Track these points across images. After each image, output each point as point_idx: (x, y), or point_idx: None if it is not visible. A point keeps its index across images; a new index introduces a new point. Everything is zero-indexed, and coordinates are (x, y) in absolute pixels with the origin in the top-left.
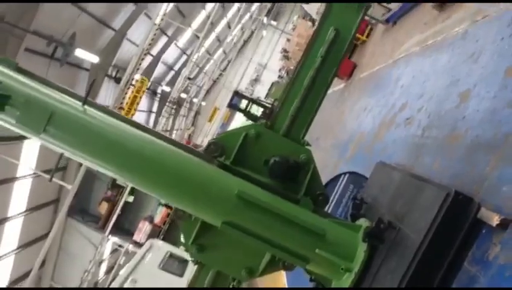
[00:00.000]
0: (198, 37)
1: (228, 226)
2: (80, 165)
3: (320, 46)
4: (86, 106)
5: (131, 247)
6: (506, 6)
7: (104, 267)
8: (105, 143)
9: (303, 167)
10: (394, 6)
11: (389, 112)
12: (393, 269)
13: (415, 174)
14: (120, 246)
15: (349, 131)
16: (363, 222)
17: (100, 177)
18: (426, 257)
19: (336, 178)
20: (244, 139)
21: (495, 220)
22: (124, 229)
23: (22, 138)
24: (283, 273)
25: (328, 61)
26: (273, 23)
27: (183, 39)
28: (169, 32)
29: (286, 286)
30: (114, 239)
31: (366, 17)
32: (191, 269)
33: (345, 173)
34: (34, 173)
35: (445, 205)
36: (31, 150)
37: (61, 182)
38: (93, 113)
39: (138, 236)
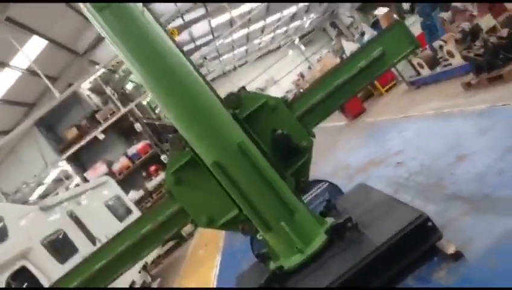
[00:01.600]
0: (231, 26)
1: (217, 168)
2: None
3: (363, 59)
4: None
5: (78, 181)
6: None
7: (41, 190)
8: (152, 49)
9: (301, 152)
10: (425, 73)
11: (383, 153)
12: (346, 260)
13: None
14: (67, 178)
15: (338, 159)
16: (329, 220)
17: (83, 104)
18: (380, 257)
19: (316, 182)
20: (262, 104)
21: (451, 249)
22: (80, 163)
23: None
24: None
25: (363, 74)
26: (302, 47)
27: (218, 20)
28: (210, 7)
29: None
30: (67, 167)
31: (396, 72)
32: (131, 219)
33: (326, 181)
34: (27, 70)
35: (414, 223)
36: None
37: (51, 86)
38: (151, 19)
39: (90, 174)
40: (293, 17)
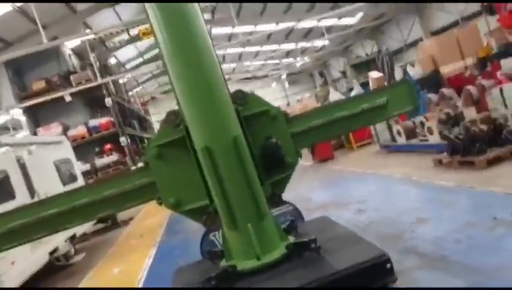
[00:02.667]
0: (229, 40)
1: (206, 153)
2: (55, 38)
3: (367, 102)
4: None
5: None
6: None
7: None
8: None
9: (285, 166)
10: (401, 141)
11: (346, 199)
12: (302, 276)
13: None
14: (14, 128)
15: (299, 193)
16: (291, 238)
17: (61, 61)
18: (336, 282)
19: (283, 202)
20: (265, 111)
21: None
22: (36, 118)
23: None
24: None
25: (363, 116)
26: (286, 84)
27: (219, 30)
28: (217, 15)
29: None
30: (20, 117)
31: (374, 132)
32: (74, 186)
33: (291, 204)
34: (19, 8)
35: (375, 260)
36: None
37: (41, 29)
38: None
39: (43, 132)
40: (288, 53)
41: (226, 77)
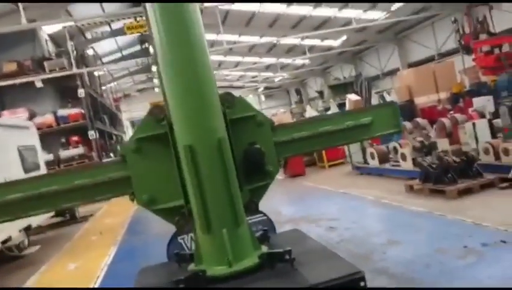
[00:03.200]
0: (212, 46)
1: (188, 151)
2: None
3: (352, 120)
4: None
5: None
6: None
7: None
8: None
9: (265, 174)
10: (373, 164)
11: (317, 215)
12: (274, 287)
13: None
14: None
15: (270, 206)
16: (264, 248)
17: (37, 45)
18: None
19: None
20: (252, 116)
21: None
22: (2, 101)
23: None
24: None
25: (347, 133)
26: (262, 98)
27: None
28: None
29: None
30: None
31: (347, 153)
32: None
33: (265, 214)
34: None
35: (350, 277)
36: None
37: (22, 9)
38: None
39: (7, 115)
40: (268, 67)
41: None
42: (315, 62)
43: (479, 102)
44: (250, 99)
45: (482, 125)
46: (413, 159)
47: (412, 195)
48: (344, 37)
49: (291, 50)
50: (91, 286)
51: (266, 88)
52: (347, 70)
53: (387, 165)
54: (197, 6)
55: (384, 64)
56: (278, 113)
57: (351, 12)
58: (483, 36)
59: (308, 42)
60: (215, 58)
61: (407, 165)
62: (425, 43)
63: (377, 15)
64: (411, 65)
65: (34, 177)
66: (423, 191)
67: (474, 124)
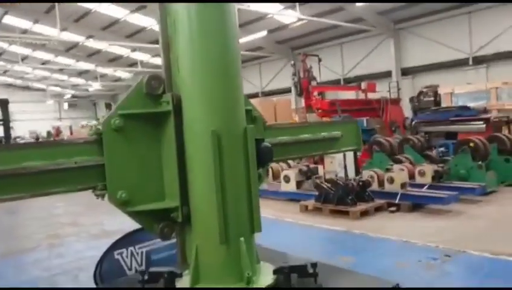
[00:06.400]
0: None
1: (215, 138)
2: None
3: (326, 131)
4: None
5: None
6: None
7: None
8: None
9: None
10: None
11: None
12: None
13: None
14: None
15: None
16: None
17: None
18: None
19: None
20: (248, 110)
21: None
22: None
23: None
24: None
25: (320, 144)
26: (65, 105)
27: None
28: None
29: None
30: None
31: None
32: None
33: None
34: None
35: None
36: None
37: None
38: None
39: None
40: (82, 74)
41: None
42: (137, 78)
43: None
44: (49, 104)
45: (350, 155)
46: (297, 182)
47: (309, 214)
48: None
49: (116, 60)
50: None
51: (73, 96)
52: None
53: (265, 186)
54: None
55: None
56: (83, 126)
57: None
58: (314, 82)
59: (138, 56)
60: (20, 49)
61: (290, 186)
62: (253, 81)
63: None
64: (249, 97)
65: None
66: (321, 212)
67: (344, 155)
